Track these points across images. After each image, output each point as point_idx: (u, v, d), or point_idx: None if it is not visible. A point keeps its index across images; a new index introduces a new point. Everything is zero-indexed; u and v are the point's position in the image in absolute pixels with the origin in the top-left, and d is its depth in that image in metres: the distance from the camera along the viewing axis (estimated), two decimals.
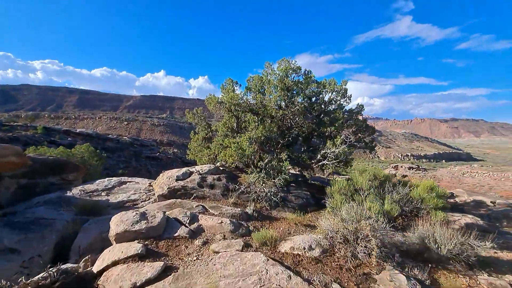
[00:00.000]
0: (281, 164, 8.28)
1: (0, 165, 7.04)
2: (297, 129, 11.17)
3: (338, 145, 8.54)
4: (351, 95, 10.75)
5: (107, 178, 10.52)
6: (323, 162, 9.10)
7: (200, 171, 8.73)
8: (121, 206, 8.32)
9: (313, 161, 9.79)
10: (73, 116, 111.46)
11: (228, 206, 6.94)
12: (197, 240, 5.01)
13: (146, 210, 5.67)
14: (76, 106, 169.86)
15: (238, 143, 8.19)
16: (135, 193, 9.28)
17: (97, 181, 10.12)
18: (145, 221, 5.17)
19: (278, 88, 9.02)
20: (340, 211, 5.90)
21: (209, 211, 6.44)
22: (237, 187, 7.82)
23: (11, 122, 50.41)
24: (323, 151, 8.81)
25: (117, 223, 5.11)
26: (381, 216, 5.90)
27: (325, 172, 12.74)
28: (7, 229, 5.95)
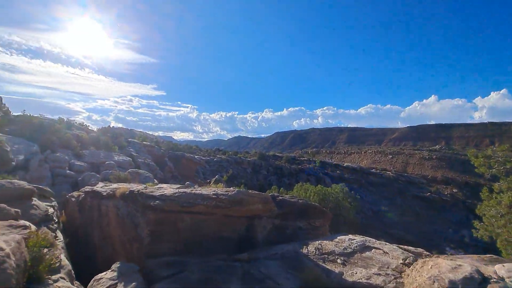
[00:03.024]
0: None
1: (248, 211, 7.61)
2: None
3: None
4: None
5: (349, 237, 8.62)
6: None
7: (508, 280, 4.13)
8: None
9: None
10: (343, 151, 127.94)
11: None
12: None
13: None
14: (345, 142, 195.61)
15: None
16: (379, 273, 6.42)
17: (338, 238, 8.54)
18: None
19: None
20: None
21: None
22: None
23: (300, 157, 68.30)
24: None
25: None
26: None
27: None
28: (239, 283, 5.78)
